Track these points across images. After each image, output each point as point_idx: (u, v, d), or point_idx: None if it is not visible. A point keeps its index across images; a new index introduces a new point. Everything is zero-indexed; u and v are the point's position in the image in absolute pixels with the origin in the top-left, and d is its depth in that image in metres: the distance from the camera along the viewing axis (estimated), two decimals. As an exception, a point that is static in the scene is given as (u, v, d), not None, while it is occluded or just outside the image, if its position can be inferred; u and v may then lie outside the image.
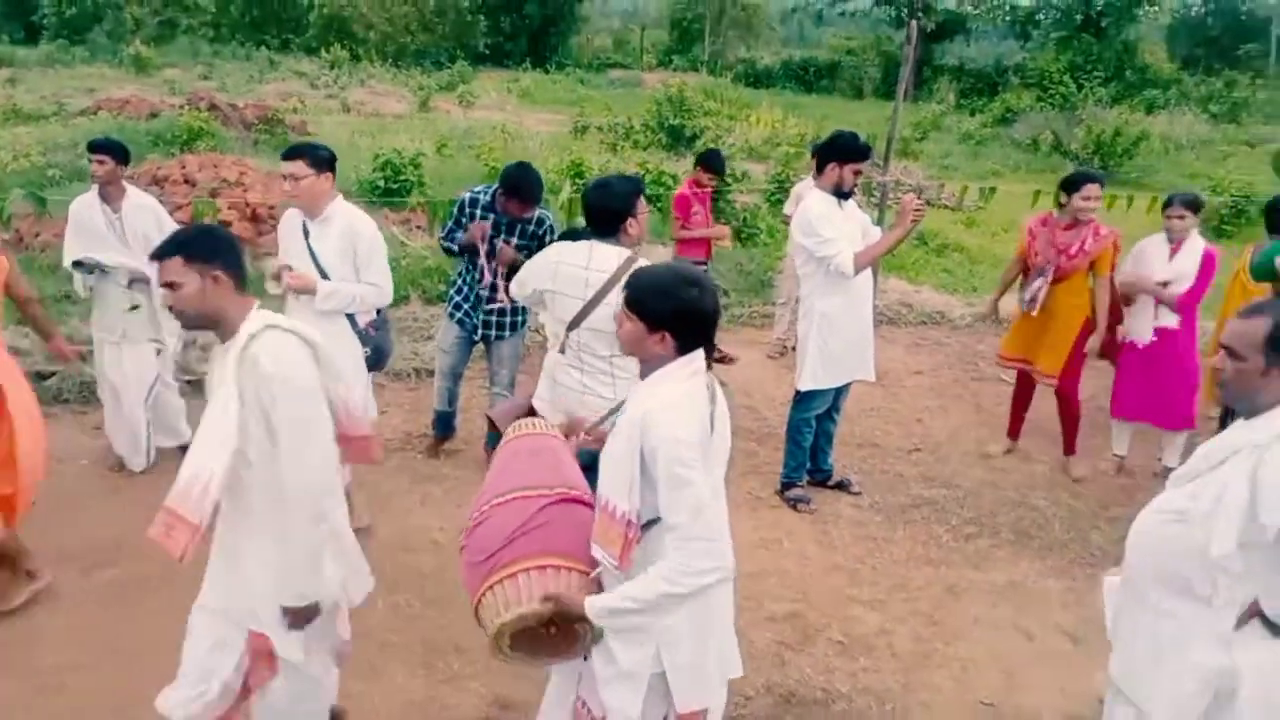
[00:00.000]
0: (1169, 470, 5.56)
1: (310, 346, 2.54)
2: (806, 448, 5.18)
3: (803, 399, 5.06)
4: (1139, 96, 23.58)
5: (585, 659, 2.43)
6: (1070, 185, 5.33)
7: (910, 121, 20.20)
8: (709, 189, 7.16)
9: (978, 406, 6.80)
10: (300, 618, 2.55)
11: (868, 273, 4.94)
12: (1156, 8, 26.78)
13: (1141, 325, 5.44)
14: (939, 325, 8.70)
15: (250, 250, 8.47)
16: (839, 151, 4.77)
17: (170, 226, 5.00)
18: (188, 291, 2.45)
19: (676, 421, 2.19)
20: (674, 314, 2.25)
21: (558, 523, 2.41)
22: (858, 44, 33.73)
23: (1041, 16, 27.34)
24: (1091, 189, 5.24)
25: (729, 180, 10.18)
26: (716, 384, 2.38)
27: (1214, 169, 15.36)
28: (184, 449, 5.27)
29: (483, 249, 4.83)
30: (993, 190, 8.13)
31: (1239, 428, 2.29)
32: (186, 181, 9.47)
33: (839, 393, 5.16)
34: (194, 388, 6.07)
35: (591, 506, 2.42)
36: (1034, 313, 5.40)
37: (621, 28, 46.52)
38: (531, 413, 3.58)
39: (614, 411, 2.40)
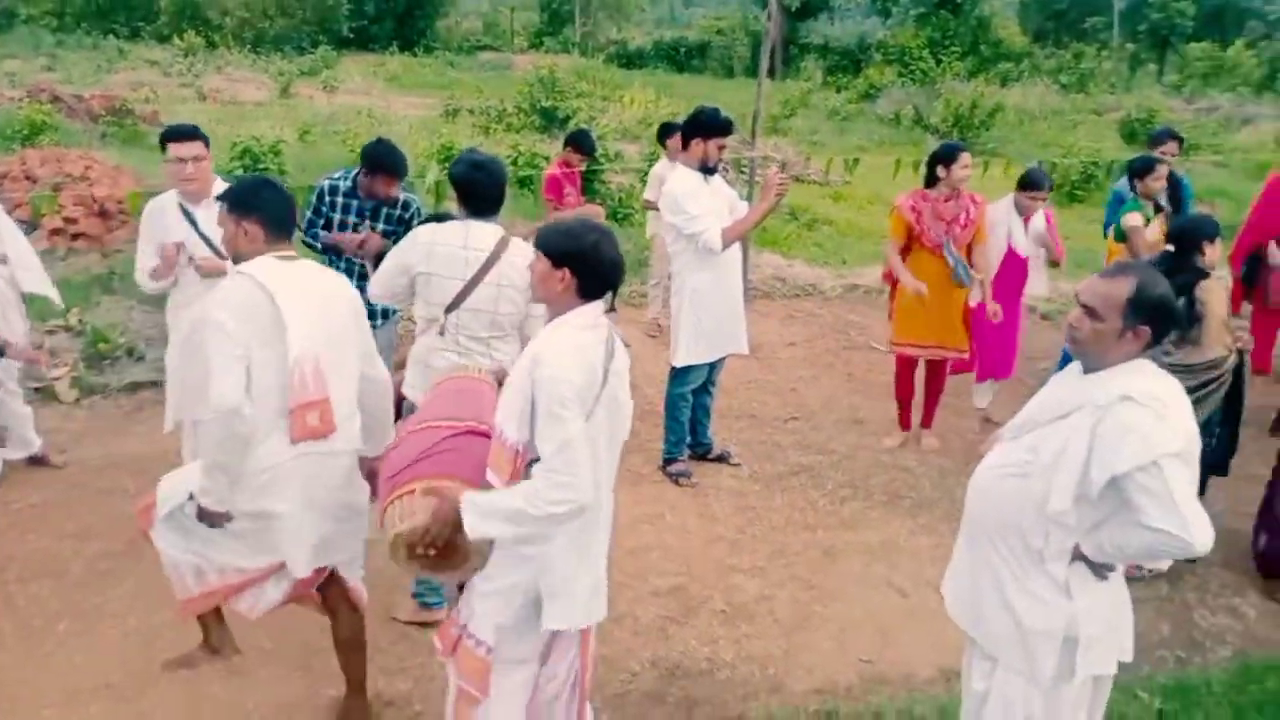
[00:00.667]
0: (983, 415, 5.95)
1: (267, 294, 2.74)
2: (685, 422, 5.22)
3: (678, 375, 5.09)
4: (994, 70, 24.56)
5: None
6: (946, 157, 5.32)
7: (779, 99, 20.53)
8: (579, 169, 7.13)
9: (849, 375, 6.99)
10: (207, 515, 2.84)
11: (736, 248, 5.00)
12: (1007, -17, 27.86)
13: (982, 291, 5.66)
14: (811, 297, 8.89)
15: (100, 250, 8.05)
16: (702, 127, 4.80)
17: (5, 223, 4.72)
18: (225, 236, 2.97)
19: (563, 363, 2.34)
20: (575, 253, 2.42)
21: (461, 450, 2.56)
22: (726, 24, 34.10)
23: (901, -6, 28.15)
24: (966, 158, 5.34)
25: (602, 160, 10.15)
26: (618, 341, 2.52)
27: (1064, 137, 16.15)
28: (35, 460, 4.99)
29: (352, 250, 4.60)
30: (856, 162, 8.33)
31: (1079, 381, 2.38)
32: (28, 178, 8.91)
33: (714, 367, 5.22)
34: (42, 395, 5.74)
35: None
36: (971, 283, 5.35)
37: (491, 10, 45.79)
38: (400, 402, 3.53)
39: None
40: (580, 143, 7.12)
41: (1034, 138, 17.04)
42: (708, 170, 4.84)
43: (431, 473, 2.50)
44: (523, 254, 3.42)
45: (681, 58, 33.17)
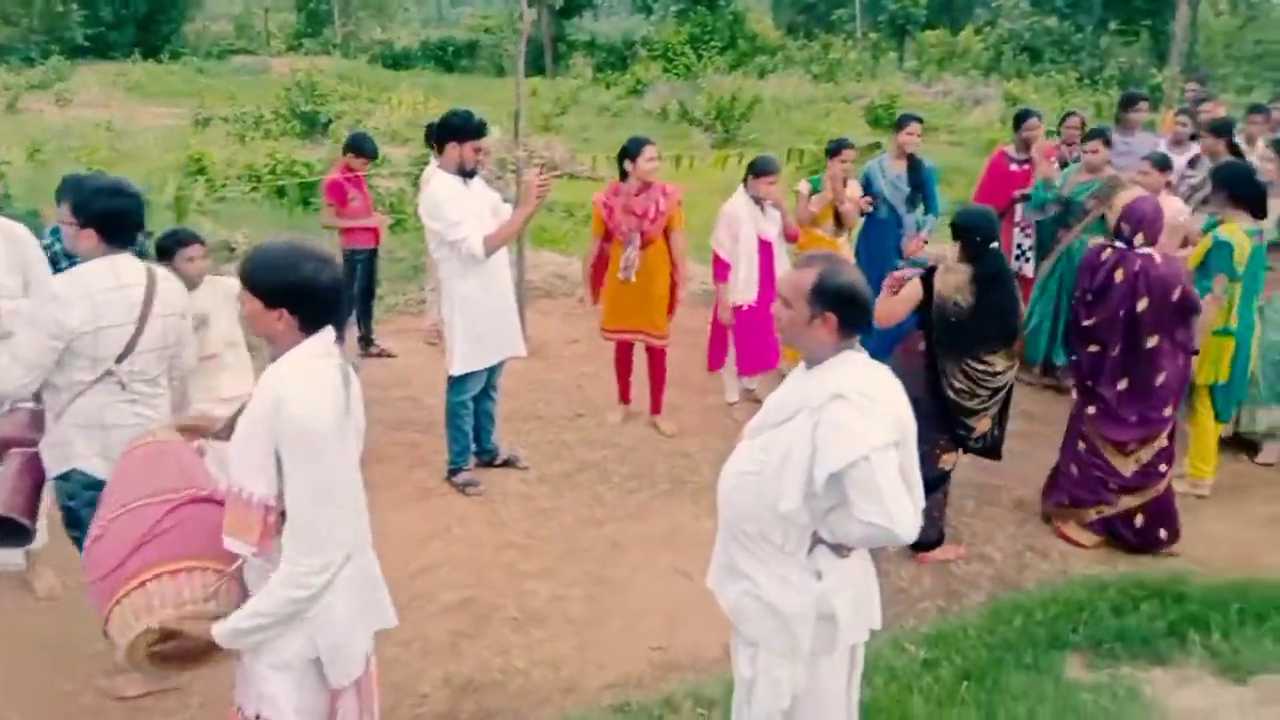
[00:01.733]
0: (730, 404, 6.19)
1: None
2: (468, 430, 5.15)
3: (456, 383, 5.02)
4: (752, 63, 25.60)
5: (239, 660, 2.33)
6: (632, 152, 5.43)
7: (550, 97, 20.59)
8: (362, 174, 6.93)
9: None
10: None
11: (504, 250, 4.96)
12: (757, -21, 29.14)
13: (748, 289, 5.87)
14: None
15: None
16: (455, 131, 4.74)
17: None
18: None
19: (308, 401, 2.17)
20: (291, 289, 2.21)
21: (187, 524, 2.33)
22: (494, 22, 33.85)
23: (659, -10, 28.90)
24: (651, 150, 5.45)
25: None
26: (350, 366, 2.35)
27: (818, 125, 17.05)
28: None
29: None
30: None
31: (802, 380, 2.49)
32: None
33: (493, 372, 5.17)
34: None
35: (223, 504, 2.30)
36: (632, 279, 5.53)
37: (243, 12, 43.33)
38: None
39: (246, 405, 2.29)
40: (361, 147, 6.95)
41: (790, 126, 17.88)
42: (466, 174, 4.78)
43: (159, 558, 2.25)
44: (168, 277, 3.28)
45: (450, 57, 32.66)
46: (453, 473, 5.17)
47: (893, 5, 27.54)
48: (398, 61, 32.10)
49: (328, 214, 6.92)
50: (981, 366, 4.26)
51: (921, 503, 2.56)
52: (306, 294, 2.22)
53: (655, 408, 5.97)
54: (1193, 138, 7.13)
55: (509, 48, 31.09)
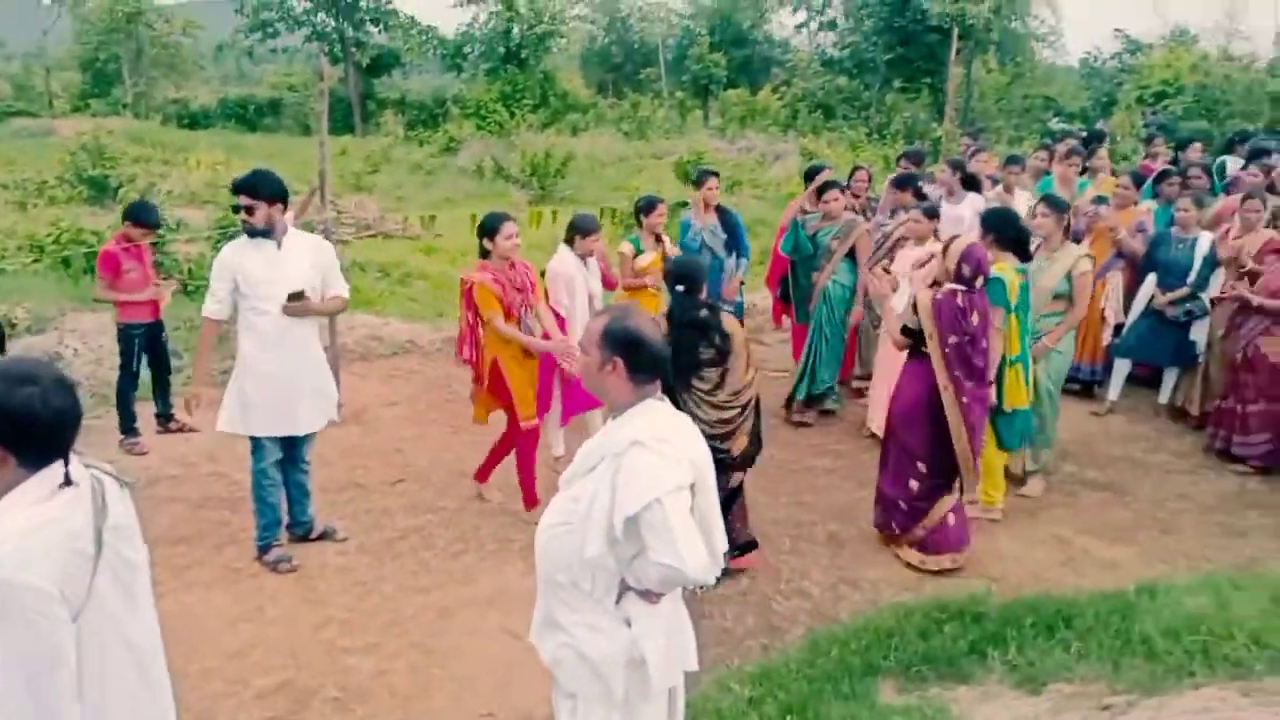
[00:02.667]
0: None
1: None
2: (273, 503, 4.93)
3: (252, 448, 4.84)
4: (564, 121, 26.09)
5: None
6: (490, 229, 5.28)
7: (360, 155, 20.27)
8: (143, 244, 6.56)
9: (455, 428, 6.99)
10: None
11: (304, 323, 4.81)
12: (565, 40, 29.72)
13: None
14: (410, 354, 8.82)
15: None
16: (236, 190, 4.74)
17: None
18: None
19: (22, 562, 1.83)
20: (2, 422, 1.90)
21: None
22: (298, 79, 33.04)
23: (469, 50, 28.97)
24: (510, 227, 5.30)
25: (165, 230, 9.37)
26: (108, 490, 2.06)
27: (631, 180, 17.50)
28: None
29: None
30: (433, 218, 8.47)
31: (607, 430, 2.57)
32: None
33: (298, 443, 4.98)
34: None
35: None
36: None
37: (22, 72, 40.56)
38: None
39: None
40: (140, 216, 6.56)
41: (605, 182, 18.30)
42: (258, 234, 4.65)
43: None
44: None
45: (251, 116, 31.63)
46: (262, 550, 4.93)
47: (695, 66, 28.68)
48: (195, 121, 30.84)
49: (100, 287, 6.48)
50: (701, 393, 4.52)
51: (723, 543, 2.65)
52: (24, 427, 1.90)
53: (482, 474, 5.79)
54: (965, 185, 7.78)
55: (314, 105, 30.47)
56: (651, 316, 2.77)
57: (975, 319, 4.85)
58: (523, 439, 5.46)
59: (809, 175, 7.72)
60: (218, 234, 10.50)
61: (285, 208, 4.79)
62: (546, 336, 5.44)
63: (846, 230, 6.92)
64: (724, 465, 4.53)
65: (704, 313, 4.46)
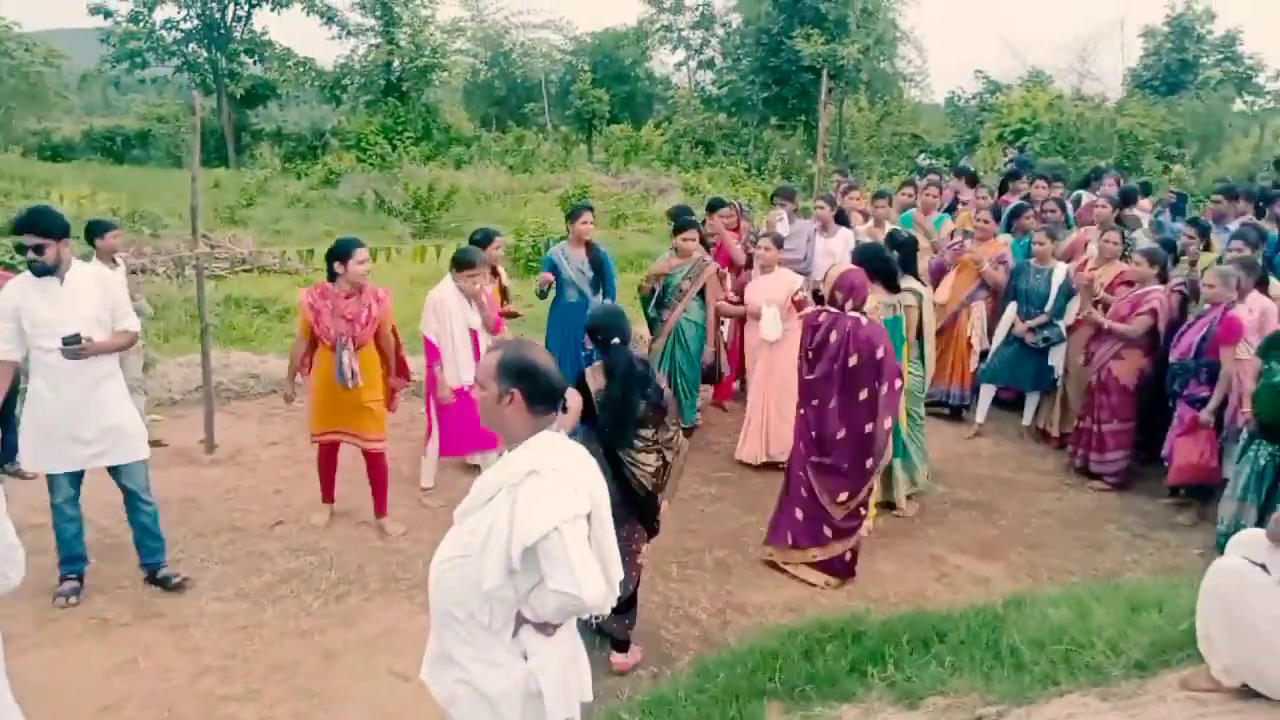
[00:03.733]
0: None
1: None
2: (68, 538, 4.84)
3: (49, 487, 4.80)
4: (448, 154, 25.93)
5: None
6: (341, 254, 5.29)
7: (235, 188, 19.71)
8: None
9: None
10: None
11: (97, 360, 4.64)
12: (448, 73, 29.60)
13: (464, 371, 5.93)
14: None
15: None
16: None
17: None
18: None
19: None
20: None
21: None
22: (168, 110, 31.95)
23: (348, 82, 28.55)
24: (362, 253, 5.31)
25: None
26: None
27: (516, 214, 17.46)
28: None
29: None
30: (310, 252, 8.31)
31: (504, 460, 2.58)
32: None
33: (117, 475, 4.88)
34: None
35: None
36: (359, 385, 5.36)
37: None
38: None
39: None
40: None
41: (490, 216, 18.21)
42: (43, 272, 4.52)
43: None
44: None
45: (119, 148, 30.42)
46: (62, 579, 4.84)
47: (579, 101, 28.95)
48: (58, 153, 29.47)
49: None
50: (643, 441, 4.38)
51: (619, 573, 2.70)
52: None
53: (380, 510, 5.77)
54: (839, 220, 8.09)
55: (186, 137, 29.51)
56: (543, 347, 2.79)
57: (834, 337, 5.09)
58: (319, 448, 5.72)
59: (711, 207, 7.99)
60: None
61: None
62: (403, 371, 5.75)
63: (697, 270, 7.04)
64: (652, 532, 4.52)
65: (640, 365, 4.42)
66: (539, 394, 2.54)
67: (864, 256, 5.85)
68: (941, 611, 4.62)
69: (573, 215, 7.30)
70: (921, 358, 6.27)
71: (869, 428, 5.12)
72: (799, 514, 5.29)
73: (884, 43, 25.16)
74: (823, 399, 5.17)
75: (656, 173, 24.04)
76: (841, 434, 5.15)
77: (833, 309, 5.19)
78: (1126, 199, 9.12)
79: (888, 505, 6.18)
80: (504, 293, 6.81)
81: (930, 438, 7.51)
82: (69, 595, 4.78)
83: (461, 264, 5.89)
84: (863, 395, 5.12)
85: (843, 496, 5.18)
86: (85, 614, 4.71)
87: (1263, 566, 3.44)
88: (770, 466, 6.73)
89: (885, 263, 5.81)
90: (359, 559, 5.38)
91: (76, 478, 4.80)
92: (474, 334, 6.03)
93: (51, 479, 4.76)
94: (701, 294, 7.10)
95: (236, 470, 6.67)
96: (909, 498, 6.28)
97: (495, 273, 6.66)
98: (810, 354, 5.21)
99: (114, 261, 6.58)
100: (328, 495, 5.90)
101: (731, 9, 29.21)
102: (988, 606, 4.58)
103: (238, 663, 4.35)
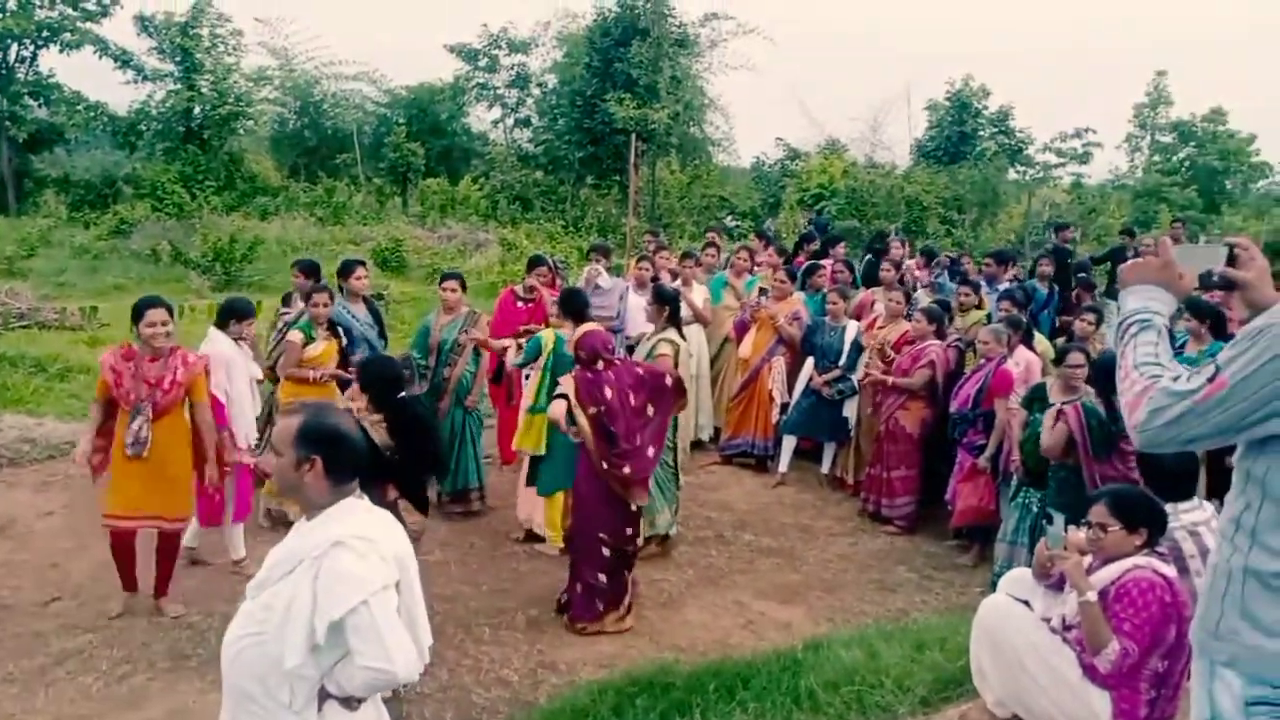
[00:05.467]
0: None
1: None
2: None
3: None
4: (253, 204, 24.91)
5: None
6: (137, 315, 5.06)
7: (14, 237, 18.26)
8: None
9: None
10: None
11: None
12: (253, 121, 28.59)
13: (251, 429, 5.79)
14: (69, 457, 7.97)
15: None
16: None
17: None
18: None
19: None
20: None
21: None
22: (-62, 152, 29.38)
23: (143, 128, 27.05)
24: (158, 314, 5.05)
25: None
26: None
27: (326, 266, 16.99)
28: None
29: None
30: (94, 309, 7.84)
31: (304, 530, 2.48)
32: None
33: None
34: None
35: None
36: (142, 455, 5.02)
37: None
38: None
39: None
40: None
41: (298, 268, 17.66)
42: None
43: None
44: None
45: (-123, 191, 27.66)
46: None
47: (393, 154, 28.53)
48: None
49: None
50: None
51: (428, 638, 2.65)
52: None
53: (161, 590, 5.34)
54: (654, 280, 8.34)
55: (-42, 182, 27.18)
56: (348, 410, 2.74)
57: (609, 393, 5.26)
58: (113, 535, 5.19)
59: (530, 265, 8.03)
60: None
61: None
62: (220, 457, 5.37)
63: (470, 323, 6.97)
64: None
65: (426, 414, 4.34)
66: (340, 461, 2.46)
67: (563, 299, 6.16)
68: (746, 658, 4.79)
69: (344, 271, 7.05)
70: None
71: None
72: (603, 579, 5.36)
73: (693, 109, 26.17)
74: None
75: (474, 227, 23.95)
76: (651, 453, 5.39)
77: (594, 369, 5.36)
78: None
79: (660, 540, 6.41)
80: (343, 351, 6.54)
81: (735, 487, 7.81)
82: None
83: (242, 312, 5.77)
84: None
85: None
86: None
87: (1026, 603, 3.78)
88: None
89: (581, 302, 6.05)
90: (145, 636, 5.04)
91: None
92: (253, 386, 5.91)
93: None
94: (476, 349, 6.97)
95: (9, 544, 6.18)
96: (648, 541, 6.23)
97: (333, 329, 6.41)
98: (591, 407, 5.28)
99: None
100: (130, 585, 5.33)
101: (546, 70, 29.71)
102: (788, 651, 4.79)
103: (2, 757, 3.99)
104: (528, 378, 6.62)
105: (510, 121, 32.06)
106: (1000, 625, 3.74)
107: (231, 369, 5.64)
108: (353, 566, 2.33)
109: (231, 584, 5.59)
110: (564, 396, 5.28)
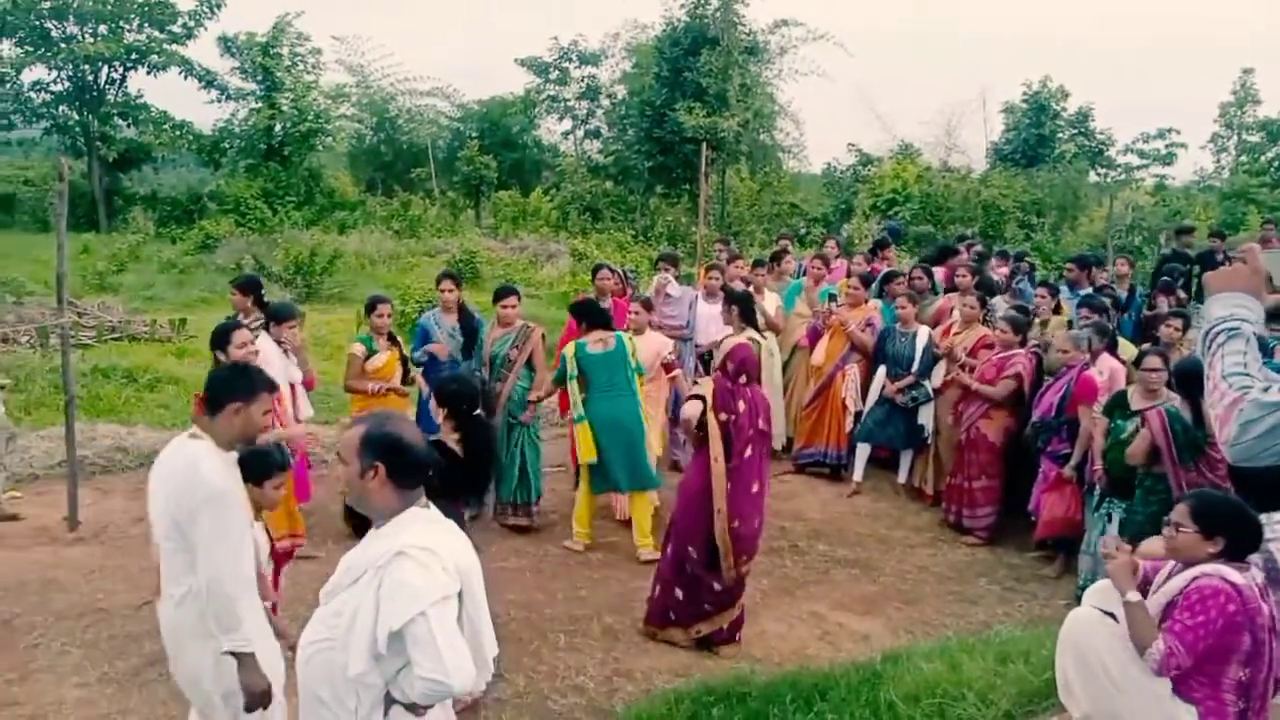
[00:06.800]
0: None
1: None
2: None
3: None
4: (331, 218, 25.52)
5: None
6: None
7: (105, 253, 18.99)
8: None
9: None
10: None
11: None
12: (331, 137, 29.29)
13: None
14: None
15: None
16: None
17: None
18: None
19: None
20: None
21: None
22: (35, 173, 30.63)
23: (227, 145, 27.94)
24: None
25: None
26: None
27: (402, 279, 17.31)
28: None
29: None
30: (184, 321, 8.09)
31: (370, 540, 2.53)
32: None
33: None
34: None
35: None
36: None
37: None
38: None
39: None
40: None
41: (375, 281, 18.00)
42: None
43: None
44: None
45: (-19, 212, 28.99)
46: None
47: (466, 168, 28.97)
48: (-91, 216, 27.90)
49: None
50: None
51: (493, 650, 2.67)
52: None
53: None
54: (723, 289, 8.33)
55: (53, 201, 28.36)
56: (411, 420, 2.79)
57: (742, 406, 5.22)
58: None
59: (594, 272, 8.15)
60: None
61: None
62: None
63: (523, 338, 6.94)
64: None
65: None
66: (403, 468, 2.50)
67: (576, 310, 6.55)
68: (823, 670, 4.73)
69: (438, 282, 7.31)
70: None
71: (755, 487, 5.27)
72: (679, 592, 5.30)
73: (763, 116, 26.04)
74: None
75: (545, 238, 24.18)
76: (755, 488, 5.28)
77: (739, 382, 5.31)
78: (982, 262, 9.69)
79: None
80: (405, 362, 6.73)
81: (809, 496, 7.74)
82: None
83: (282, 315, 5.91)
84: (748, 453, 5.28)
85: (742, 560, 5.26)
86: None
87: (1113, 616, 3.66)
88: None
89: (601, 314, 6.51)
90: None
91: None
92: (293, 388, 6.00)
93: None
94: (529, 363, 6.92)
95: (101, 548, 6.37)
96: None
97: (394, 340, 6.60)
98: (723, 414, 5.23)
99: None
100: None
101: (616, 81, 29.88)
102: (867, 663, 4.72)
103: (101, 754, 4.13)
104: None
105: (580, 133, 32.31)
106: (1086, 638, 3.64)
107: (268, 369, 5.77)
108: (413, 577, 2.37)
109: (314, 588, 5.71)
110: (700, 398, 5.28)
